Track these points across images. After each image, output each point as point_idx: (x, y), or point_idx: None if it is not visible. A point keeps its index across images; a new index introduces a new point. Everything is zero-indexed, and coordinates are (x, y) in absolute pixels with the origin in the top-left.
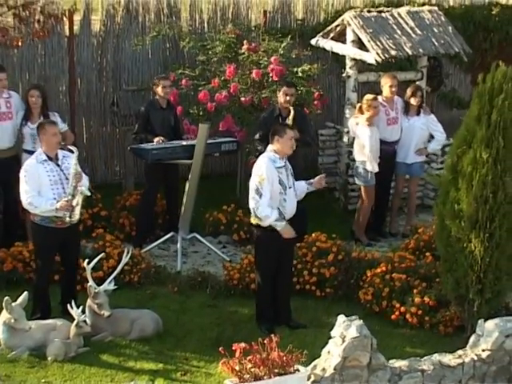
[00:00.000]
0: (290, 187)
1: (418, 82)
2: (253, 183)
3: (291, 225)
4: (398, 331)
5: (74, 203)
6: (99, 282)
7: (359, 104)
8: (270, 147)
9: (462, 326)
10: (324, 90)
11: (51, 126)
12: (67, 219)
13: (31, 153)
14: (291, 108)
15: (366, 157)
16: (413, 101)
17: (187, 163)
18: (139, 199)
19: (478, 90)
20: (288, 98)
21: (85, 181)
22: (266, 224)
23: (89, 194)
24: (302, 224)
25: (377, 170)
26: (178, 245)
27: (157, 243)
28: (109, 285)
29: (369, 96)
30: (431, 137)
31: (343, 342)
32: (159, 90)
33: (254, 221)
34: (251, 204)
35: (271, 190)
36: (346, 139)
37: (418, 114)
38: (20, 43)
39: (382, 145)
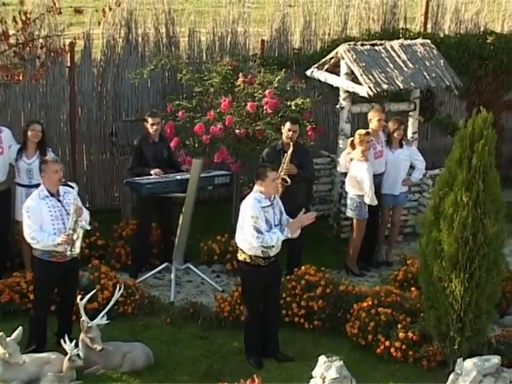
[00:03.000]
0: (276, 225)
1: (410, 113)
2: (248, 225)
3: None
4: (383, 365)
5: (75, 237)
6: (93, 313)
7: (351, 139)
8: (255, 187)
9: (444, 361)
10: (320, 119)
11: (54, 163)
12: (68, 253)
13: (25, 187)
14: (291, 144)
15: (364, 191)
16: (396, 134)
17: (181, 197)
18: (135, 229)
19: (459, 134)
20: (291, 133)
21: (85, 215)
22: (280, 244)
23: (89, 228)
24: (294, 261)
25: (376, 202)
26: (172, 275)
27: (151, 273)
28: (101, 319)
29: (361, 131)
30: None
31: (323, 382)
32: (148, 126)
33: (240, 257)
34: (255, 244)
35: None
36: (339, 168)
37: (400, 146)
38: (21, 77)
39: None
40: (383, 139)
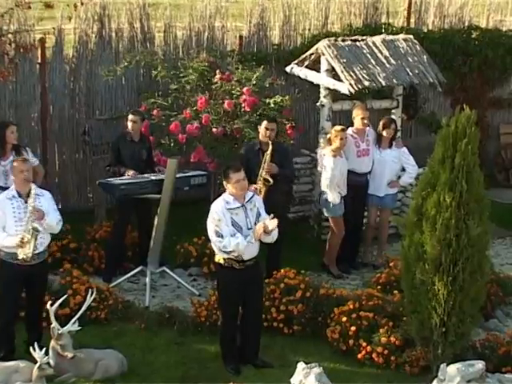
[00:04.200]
0: (249, 228)
1: (393, 111)
2: (211, 226)
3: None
4: (364, 370)
5: (25, 240)
6: (65, 319)
7: (328, 135)
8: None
9: (428, 366)
10: (300, 117)
11: (20, 163)
12: (20, 256)
13: (3, 189)
14: (270, 143)
15: (326, 187)
16: (385, 133)
17: (156, 198)
18: (109, 231)
19: (442, 133)
20: (269, 132)
21: (50, 218)
22: (243, 250)
23: (40, 229)
24: (273, 264)
25: (337, 201)
26: (147, 279)
27: (126, 277)
28: (73, 325)
29: (337, 127)
30: (403, 169)
31: None
32: (128, 123)
33: (216, 258)
34: (216, 246)
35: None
36: (320, 167)
37: (390, 146)
38: None
39: (352, 176)
40: (371, 138)
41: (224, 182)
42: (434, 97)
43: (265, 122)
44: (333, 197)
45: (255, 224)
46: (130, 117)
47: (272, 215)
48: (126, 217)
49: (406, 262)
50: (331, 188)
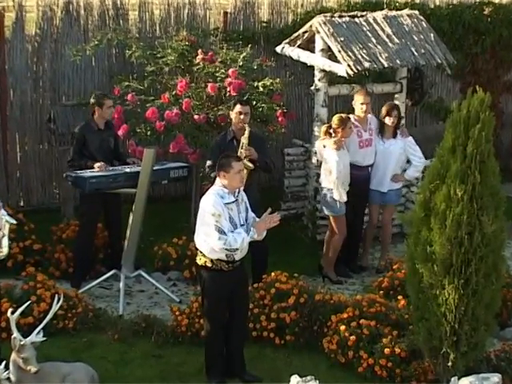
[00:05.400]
0: (242, 224)
1: (396, 95)
2: (209, 224)
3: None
4: None
5: None
6: (28, 328)
7: (324, 125)
8: (217, 181)
9: (437, 380)
10: (292, 103)
11: None
12: None
13: None
14: (246, 127)
15: (333, 184)
16: (387, 120)
17: (131, 192)
18: (77, 231)
19: (452, 118)
20: (242, 117)
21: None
22: (245, 247)
23: (13, 221)
24: (260, 266)
25: (345, 199)
26: (121, 284)
27: (97, 282)
28: (36, 336)
29: (340, 115)
30: (409, 161)
31: None
32: (104, 109)
33: (200, 261)
34: (218, 245)
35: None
36: (314, 160)
37: (394, 136)
38: None
39: (353, 170)
40: (374, 126)
41: (221, 173)
42: (441, 81)
43: (238, 106)
44: (339, 194)
45: (246, 220)
46: (108, 101)
47: (270, 209)
48: (95, 214)
49: (411, 264)
50: (338, 184)
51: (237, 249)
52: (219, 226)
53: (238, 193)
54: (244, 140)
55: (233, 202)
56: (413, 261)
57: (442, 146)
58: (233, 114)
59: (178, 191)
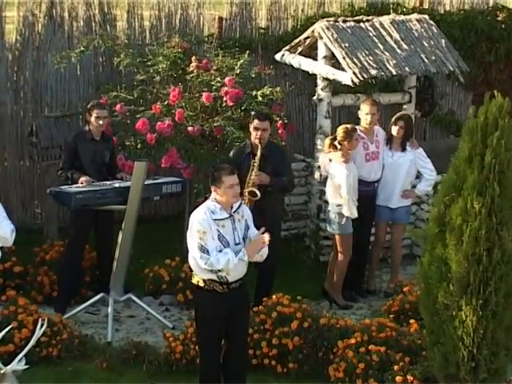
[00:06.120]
0: (237, 243)
1: (405, 106)
2: (193, 241)
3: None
4: None
5: None
6: (9, 357)
7: (329, 138)
8: (212, 195)
9: None
10: (292, 115)
11: None
12: None
13: None
14: (259, 145)
15: (341, 199)
16: (393, 130)
17: (120, 209)
18: (62, 252)
19: (468, 125)
20: (259, 133)
21: (2, 227)
22: (232, 269)
23: None
24: (263, 287)
25: (356, 215)
26: (109, 308)
27: (83, 306)
28: (18, 364)
29: (346, 126)
30: (419, 174)
31: None
32: (92, 120)
33: (194, 279)
34: (199, 264)
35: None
36: (317, 175)
37: (403, 148)
38: None
39: (358, 185)
40: (381, 138)
41: (212, 187)
42: (451, 92)
43: (255, 121)
44: (350, 210)
45: (243, 239)
46: (98, 111)
47: (263, 229)
48: (82, 233)
49: (425, 283)
50: (349, 201)
51: (220, 270)
52: (202, 245)
53: (238, 208)
54: (255, 163)
55: (226, 218)
56: (427, 280)
57: (457, 155)
58: (251, 128)
59: (170, 210)
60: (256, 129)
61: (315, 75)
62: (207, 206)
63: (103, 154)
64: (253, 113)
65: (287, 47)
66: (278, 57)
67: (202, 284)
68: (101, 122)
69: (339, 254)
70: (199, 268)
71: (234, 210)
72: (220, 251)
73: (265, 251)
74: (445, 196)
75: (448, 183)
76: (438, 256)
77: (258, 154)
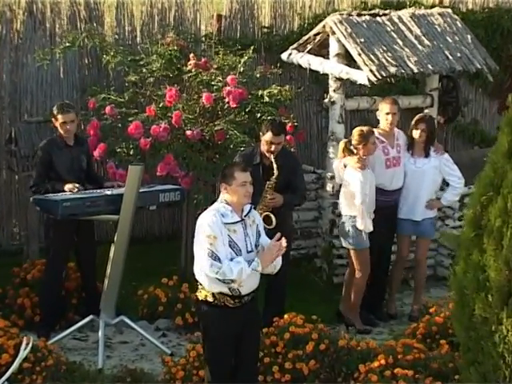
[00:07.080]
0: (249, 251)
1: (426, 110)
2: (202, 248)
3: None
4: None
5: None
6: None
7: (343, 141)
8: (220, 196)
9: None
10: (300, 122)
11: None
12: None
13: None
14: (274, 162)
15: (356, 211)
16: (415, 134)
17: (112, 219)
18: (44, 269)
19: (508, 116)
20: (274, 148)
21: None
22: (245, 280)
23: None
24: (273, 305)
25: (371, 229)
26: (100, 333)
27: (70, 331)
28: None
29: (360, 129)
30: (444, 183)
31: None
32: (57, 125)
33: (200, 294)
34: (211, 274)
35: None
36: (329, 188)
37: (426, 153)
38: None
39: (378, 195)
40: (403, 143)
41: (222, 186)
42: (475, 100)
43: (268, 134)
44: (364, 223)
45: (256, 246)
46: (62, 116)
47: (279, 234)
48: (63, 249)
49: (460, 294)
50: (363, 212)
51: (232, 280)
52: (213, 251)
53: (249, 212)
54: (270, 185)
55: (237, 222)
56: (461, 291)
57: (495, 150)
58: (262, 139)
59: (163, 230)
60: (270, 142)
61: (324, 79)
62: (216, 208)
63: (80, 159)
64: (264, 120)
65: (295, 45)
66: (284, 56)
67: (210, 299)
68: (68, 127)
69: (356, 272)
70: (209, 279)
71: (244, 213)
72: (231, 259)
73: (278, 262)
74: (481, 195)
75: (485, 181)
76: (475, 263)
77: (276, 173)
